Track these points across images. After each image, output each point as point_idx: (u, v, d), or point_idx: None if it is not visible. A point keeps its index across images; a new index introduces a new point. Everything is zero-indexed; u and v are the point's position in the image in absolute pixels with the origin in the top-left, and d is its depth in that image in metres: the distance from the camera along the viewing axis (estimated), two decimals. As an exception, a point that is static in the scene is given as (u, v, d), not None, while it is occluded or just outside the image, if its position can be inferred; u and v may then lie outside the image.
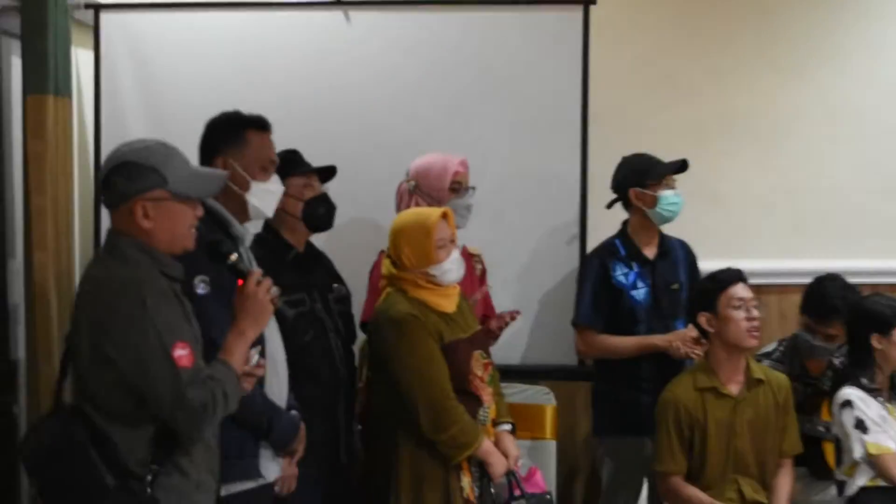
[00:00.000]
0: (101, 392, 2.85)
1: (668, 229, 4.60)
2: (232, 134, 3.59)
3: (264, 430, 3.40)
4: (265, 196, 3.60)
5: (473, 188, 4.45)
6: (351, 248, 4.49)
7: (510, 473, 3.89)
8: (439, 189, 4.38)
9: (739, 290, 4.14)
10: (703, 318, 4.15)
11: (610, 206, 4.60)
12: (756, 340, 4.18)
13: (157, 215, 2.91)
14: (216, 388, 2.87)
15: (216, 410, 2.87)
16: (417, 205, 4.35)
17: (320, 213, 3.95)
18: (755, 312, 4.14)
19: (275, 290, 3.07)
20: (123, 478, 2.82)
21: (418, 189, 4.41)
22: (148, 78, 4.84)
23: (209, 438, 3.02)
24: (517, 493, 3.89)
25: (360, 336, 4.21)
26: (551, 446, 4.86)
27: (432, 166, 4.44)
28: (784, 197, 5.35)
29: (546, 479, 4.26)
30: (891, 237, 5.34)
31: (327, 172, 4.01)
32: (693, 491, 4.08)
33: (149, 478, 2.85)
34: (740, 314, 4.10)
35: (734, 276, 4.18)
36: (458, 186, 4.40)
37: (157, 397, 2.83)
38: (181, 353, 2.82)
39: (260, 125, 3.65)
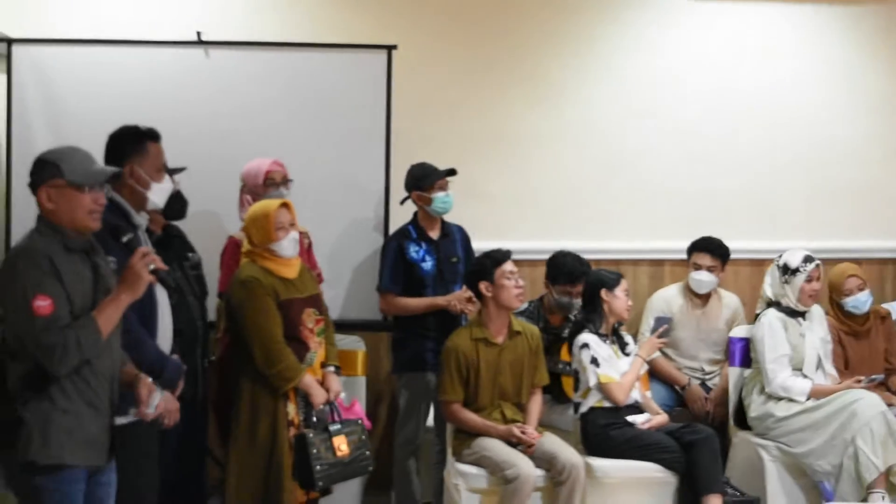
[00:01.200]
0: (4, 335, 3.20)
1: (450, 218, 5.20)
2: (136, 145, 3.98)
3: (157, 373, 3.63)
4: (161, 192, 4.04)
5: (290, 180, 4.89)
6: (205, 232, 4.92)
7: (330, 404, 4.32)
8: (256, 185, 4.85)
9: (509, 265, 4.71)
10: (482, 286, 4.69)
11: (402, 202, 5.23)
12: (521, 302, 4.80)
13: (57, 199, 3.19)
14: (69, 334, 3.07)
15: (67, 352, 3.06)
16: (247, 202, 4.76)
17: (176, 207, 4.30)
18: (521, 282, 4.71)
19: (152, 266, 3.28)
20: (7, 401, 3.15)
21: (245, 187, 4.91)
22: (52, 100, 5.30)
23: (88, 377, 3.19)
24: (336, 418, 4.33)
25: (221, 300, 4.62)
26: (362, 381, 5.39)
27: (251, 168, 4.91)
28: (533, 195, 5.97)
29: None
30: (607, 223, 6.01)
31: (178, 171, 4.30)
32: (468, 414, 4.67)
33: (23, 402, 3.14)
34: (511, 283, 4.68)
35: (506, 254, 4.75)
36: (272, 181, 4.85)
37: (22, 338, 3.09)
38: (41, 303, 3.04)
39: (156, 137, 4.06)
